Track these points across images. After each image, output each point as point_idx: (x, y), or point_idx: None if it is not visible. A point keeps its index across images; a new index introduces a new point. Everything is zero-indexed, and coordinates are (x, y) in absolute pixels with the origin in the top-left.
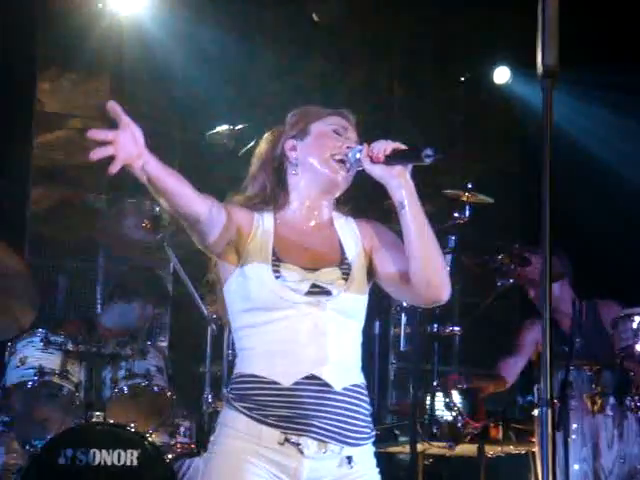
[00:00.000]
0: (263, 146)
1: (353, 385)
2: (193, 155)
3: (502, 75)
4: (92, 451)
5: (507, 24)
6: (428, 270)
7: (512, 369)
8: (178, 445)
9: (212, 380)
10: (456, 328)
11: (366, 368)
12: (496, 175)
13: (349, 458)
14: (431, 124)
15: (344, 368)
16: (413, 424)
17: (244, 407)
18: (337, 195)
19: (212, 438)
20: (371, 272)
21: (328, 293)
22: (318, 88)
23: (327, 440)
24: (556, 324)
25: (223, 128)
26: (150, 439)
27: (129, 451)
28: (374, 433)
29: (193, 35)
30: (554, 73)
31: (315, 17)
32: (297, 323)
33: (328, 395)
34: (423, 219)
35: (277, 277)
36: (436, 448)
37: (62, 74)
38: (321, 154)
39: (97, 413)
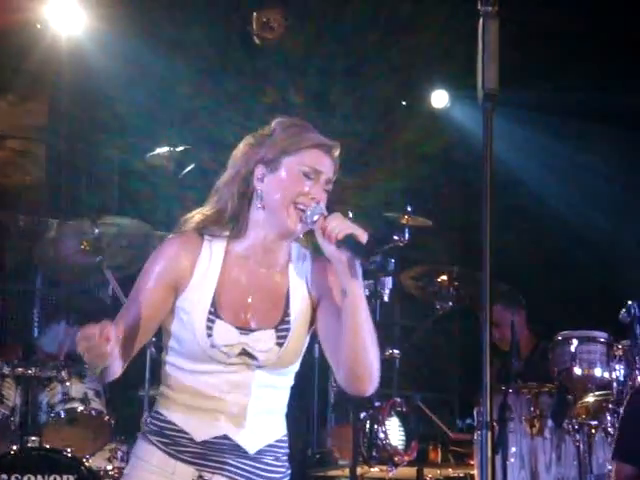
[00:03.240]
0: (239, 152)
1: (269, 445)
2: (133, 176)
3: (440, 99)
4: (27, 476)
5: (445, 48)
6: (358, 363)
7: None
8: (116, 470)
9: (150, 404)
10: (396, 351)
11: (306, 391)
12: (435, 198)
13: None
14: (369, 146)
15: (262, 431)
16: (353, 447)
17: (159, 441)
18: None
19: (125, 471)
20: (313, 323)
21: (257, 359)
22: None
23: (240, 479)
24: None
25: (163, 150)
26: (87, 464)
27: (65, 476)
28: (289, 472)
29: (133, 56)
30: (494, 96)
31: (257, 40)
32: (221, 380)
33: (241, 454)
34: (363, 311)
35: (209, 336)
36: (375, 471)
37: (0, 94)
38: (284, 197)
39: (33, 438)
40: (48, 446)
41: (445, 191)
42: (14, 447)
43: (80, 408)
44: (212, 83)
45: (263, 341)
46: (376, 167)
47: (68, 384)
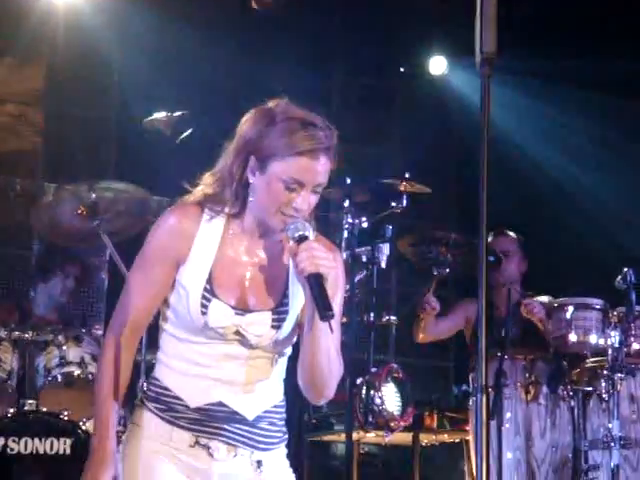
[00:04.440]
0: (245, 123)
1: (266, 411)
2: (130, 141)
3: (439, 65)
4: (24, 439)
5: (444, 14)
6: (312, 380)
7: (431, 325)
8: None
9: (147, 369)
10: (392, 317)
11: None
12: (433, 165)
13: (259, 462)
14: (367, 112)
15: (258, 398)
16: (349, 413)
17: (157, 408)
18: None
19: (124, 438)
20: None
21: (250, 342)
22: (253, 72)
23: (237, 444)
24: (492, 307)
25: (160, 115)
26: (84, 427)
27: (62, 439)
28: (286, 437)
29: (129, 21)
30: (492, 60)
31: (254, 4)
32: (215, 350)
33: (237, 419)
34: (323, 343)
35: (203, 314)
36: (371, 437)
37: None
38: (268, 203)
39: (30, 401)
40: (45, 409)
41: (443, 158)
42: (11, 410)
43: (77, 372)
44: (211, 44)
45: (257, 324)
46: (374, 134)
47: (65, 348)
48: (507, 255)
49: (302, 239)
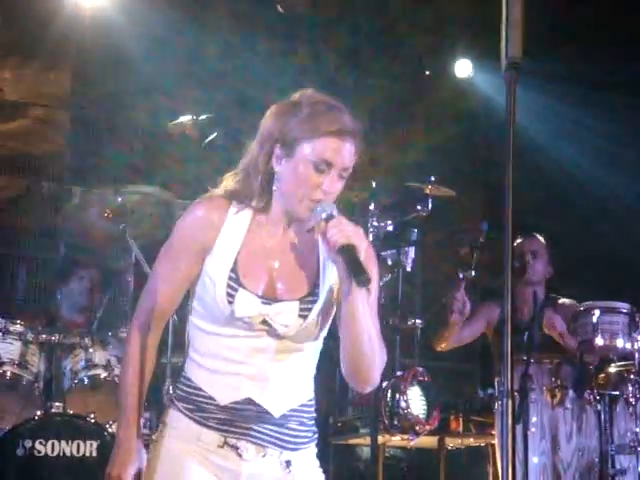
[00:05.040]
0: (267, 119)
1: (293, 410)
2: (156, 144)
3: (464, 68)
4: (51, 442)
5: (469, 16)
6: (356, 363)
7: (456, 332)
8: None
9: (173, 371)
10: (418, 321)
11: (328, 361)
12: (459, 168)
13: (288, 462)
14: (393, 115)
15: (287, 394)
16: (374, 416)
17: (186, 408)
18: None
19: (154, 437)
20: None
21: (278, 331)
22: (284, 83)
23: (266, 445)
24: (515, 311)
25: (186, 118)
26: (110, 430)
27: (89, 442)
28: (316, 436)
29: (155, 21)
30: (517, 65)
31: (280, 8)
32: (243, 344)
33: (265, 417)
34: (362, 317)
35: (230, 302)
36: (397, 440)
37: (24, 62)
38: (296, 187)
39: (56, 404)
40: (71, 412)
41: (468, 161)
42: (38, 413)
43: (103, 375)
44: (240, 45)
45: (285, 314)
46: (399, 137)
47: (91, 351)
48: (535, 256)
49: (330, 218)
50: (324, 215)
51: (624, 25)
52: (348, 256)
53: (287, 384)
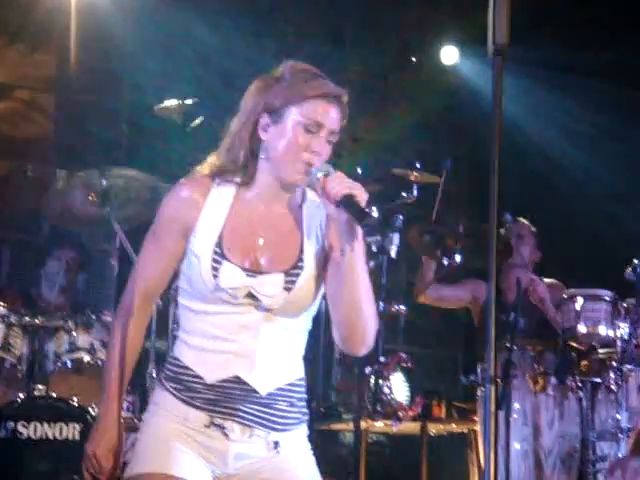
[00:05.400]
0: (250, 93)
1: (281, 387)
2: (141, 128)
3: (450, 55)
4: (33, 424)
5: (455, 2)
6: (352, 323)
7: (432, 285)
8: (122, 420)
9: (156, 355)
10: (401, 307)
11: (312, 346)
12: (444, 155)
13: (276, 443)
14: (378, 101)
15: (274, 371)
16: (358, 402)
17: (173, 388)
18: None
19: (143, 417)
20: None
21: (262, 302)
22: (270, 63)
23: (253, 425)
24: (499, 293)
25: (172, 102)
26: (93, 413)
27: (71, 425)
28: (306, 417)
29: (142, 6)
30: (504, 51)
31: None
32: (230, 321)
33: (253, 396)
34: (360, 272)
35: (214, 276)
36: (380, 426)
37: (9, 44)
38: (287, 152)
39: (40, 386)
40: (55, 395)
41: (454, 147)
42: (21, 395)
43: (87, 358)
44: (225, 25)
45: (269, 285)
46: (384, 123)
47: (75, 334)
48: (521, 238)
49: (328, 175)
50: (322, 173)
51: (610, 11)
52: (350, 203)
53: (274, 362)
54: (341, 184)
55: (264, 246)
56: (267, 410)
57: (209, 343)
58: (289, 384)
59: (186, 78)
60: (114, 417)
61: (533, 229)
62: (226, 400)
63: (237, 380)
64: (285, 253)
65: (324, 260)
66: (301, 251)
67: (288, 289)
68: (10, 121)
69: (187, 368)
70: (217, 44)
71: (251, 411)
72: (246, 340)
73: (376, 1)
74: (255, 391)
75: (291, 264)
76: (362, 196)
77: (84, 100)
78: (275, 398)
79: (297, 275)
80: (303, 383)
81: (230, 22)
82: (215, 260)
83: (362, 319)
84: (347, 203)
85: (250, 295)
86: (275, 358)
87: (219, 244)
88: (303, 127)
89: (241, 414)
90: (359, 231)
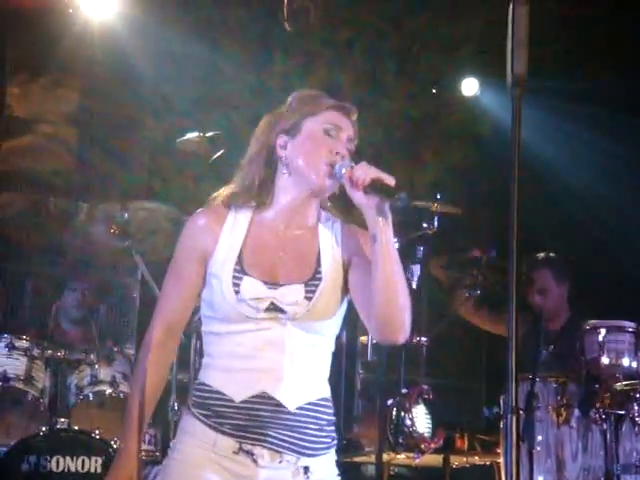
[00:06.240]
0: (260, 130)
1: (310, 403)
2: (163, 161)
3: (471, 87)
4: (56, 457)
5: (476, 34)
6: (390, 308)
7: (469, 307)
8: (143, 452)
9: (178, 388)
10: (423, 338)
11: (333, 377)
12: (465, 186)
13: (306, 468)
14: (399, 135)
15: (302, 386)
16: (379, 434)
17: (202, 414)
18: (326, 196)
19: (171, 443)
20: (346, 287)
21: (286, 313)
22: (282, 87)
23: (282, 450)
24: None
25: (193, 135)
26: (115, 446)
27: (94, 458)
28: (335, 442)
29: (164, 39)
30: (523, 81)
31: (287, 26)
32: (255, 338)
33: (281, 414)
34: (393, 257)
35: (236, 292)
36: (402, 458)
37: (32, 79)
38: (310, 158)
39: (62, 419)
40: (77, 428)
41: (474, 179)
42: (43, 428)
43: (108, 391)
44: (253, 63)
45: (291, 294)
46: (405, 155)
47: (97, 367)
48: (544, 295)
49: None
50: (346, 168)
51: (632, 44)
52: (378, 186)
53: (301, 377)
54: (368, 170)
55: (283, 262)
56: (296, 435)
57: (235, 362)
58: (316, 401)
59: (211, 113)
60: (133, 454)
61: (552, 272)
62: (255, 425)
63: (265, 397)
64: (303, 267)
65: (342, 273)
66: (318, 264)
67: (309, 298)
68: (33, 155)
69: (215, 391)
70: (243, 82)
71: (280, 436)
72: (272, 356)
73: (402, 36)
74: (283, 407)
75: (310, 276)
76: (390, 179)
77: (106, 134)
78: (303, 418)
79: (316, 286)
80: (330, 405)
81: (258, 60)
82: (236, 277)
83: (399, 303)
84: (376, 186)
85: (272, 308)
86: (302, 374)
87: (239, 262)
88: (323, 131)
89: (270, 439)
90: (388, 216)
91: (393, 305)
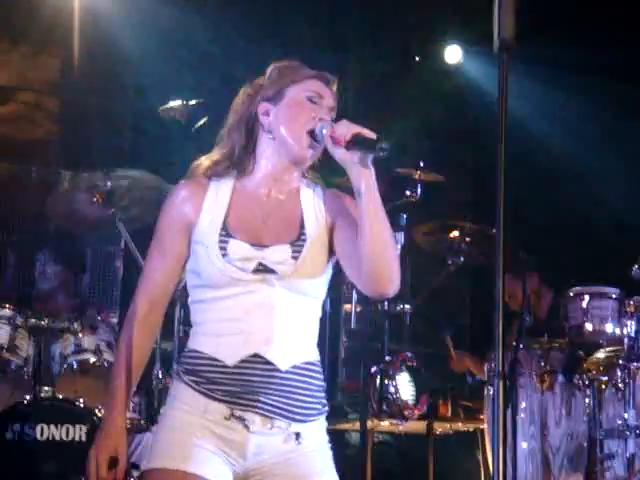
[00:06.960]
0: (239, 101)
1: (302, 363)
2: (145, 129)
3: (454, 54)
4: (40, 426)
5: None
6: (380, 260)
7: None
8: (127, 420)
9: (162, 356)
10: (407, 306)
11: (317, 346)
12: (448, 154)
13: (297, 434)
14: (381, 102)
15: (292, 347)
16: (364, 402)
17: (192, 381)
18: (307, 165)
19: (162, 410)
20: (331, 250)
21: (274, 272)
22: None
23: (273, 416)
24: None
25: (176, 103)
26: (99, 414)
27: (78, 426)
28: (326, 409)
29: (146, 8)
30: (510, 46)
31: None
32: (244, 301)
33: (274, 374)
34: (379, 210)
35: (223, 255)
36: (386, 425)
37: (13, 47)
38: (293, 125)
39: (46, 388)
40: (61, 396)
41: (458, 146)
42: (27, 397)
43: (92, 359)
44: (227, 28)
45: (278, 254)
46: (388, 123)
47: (81, 336)
48: (538, 295)
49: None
50: (326, 128)
51: (613, 9)
52: (360, 140)
53: (291, 338)
54: (349, 126)
55: (267, 226)
56: (287, 400)
57: (225, 326)
58: (306, 364)
59: (189, 80)
60: (118, 422)
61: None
62: (246, 390)
63: (256, 358)
64: (288, 229)
65: (327, 234)
66: (302, 227)
67: (295, 257)
68: (14, 124)
69: (206, 357)
70: (219, 48)
71: (271, 402)
72: (262, 317)
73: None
74: (275, 368)
75: (295, 237)
76: (371, 133)
77: (88, 102)
78: (294, 382)
79: (302, 246)
80: (320, 370)
81: (231, 24)
82: (222, 240)
83: (388, 254)
84: (357, 141)
85: (261, 269)
86: (291, 335)
87: (224, 228)
88: (306, 98)
89: (262, 405)
90: (372, 169)
91: (383, 257)
